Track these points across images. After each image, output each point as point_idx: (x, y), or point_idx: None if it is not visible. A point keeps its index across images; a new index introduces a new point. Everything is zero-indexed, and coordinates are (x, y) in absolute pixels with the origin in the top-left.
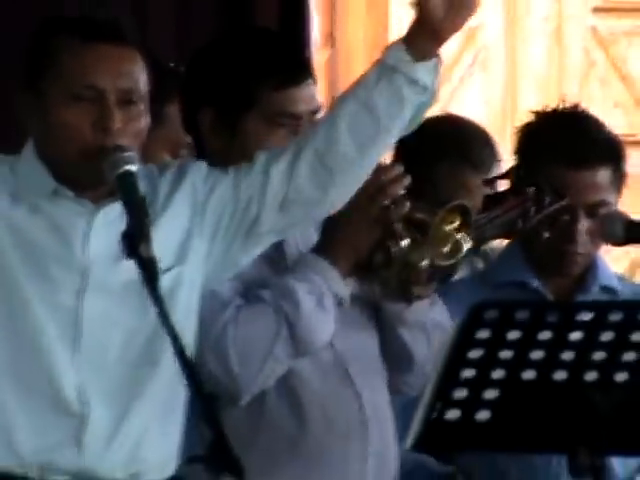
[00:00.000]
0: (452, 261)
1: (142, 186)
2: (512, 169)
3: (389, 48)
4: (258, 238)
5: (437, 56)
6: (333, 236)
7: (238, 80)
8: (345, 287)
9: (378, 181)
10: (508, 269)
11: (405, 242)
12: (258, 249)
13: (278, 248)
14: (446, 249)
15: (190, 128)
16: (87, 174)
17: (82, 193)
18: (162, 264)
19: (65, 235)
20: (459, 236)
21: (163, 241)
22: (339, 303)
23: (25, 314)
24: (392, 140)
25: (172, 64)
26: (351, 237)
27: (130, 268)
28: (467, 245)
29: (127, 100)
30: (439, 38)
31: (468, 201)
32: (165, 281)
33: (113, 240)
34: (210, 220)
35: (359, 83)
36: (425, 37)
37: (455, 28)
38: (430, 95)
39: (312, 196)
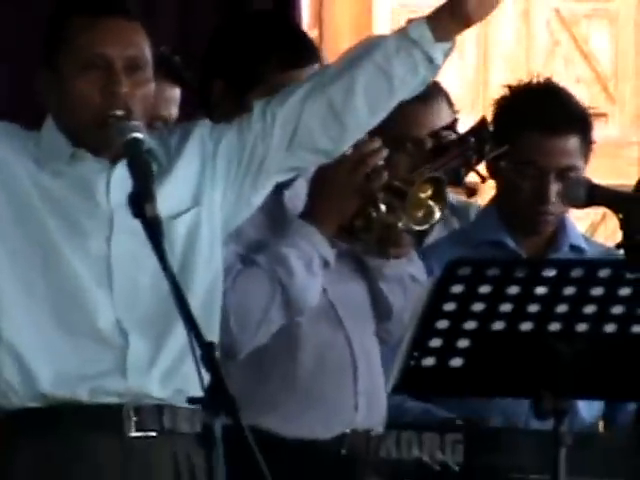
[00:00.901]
0: (425, 226)
1: (153, 144)
2: (454, 121)
3: (413, 22)
4: (267, 176)
5: (454, 40)
6: (319, 203)
7: (248, 58)
8: (330, 250)
9: (359, 153)
10: (485, 229)
11: (383, 207)
12: (267, 188)
13: (278, 206)
14: (420, 214)
15: (203, 97)
16: (100, 138)
17: (98, 154)
18: (179, 207)
19: (88, 189)
20: (432, 203)
21: (179, 187)
22: (325, 264)
23: (61, 263)
24: (395, 104)
25: (161, 48)
26: (335, 204)
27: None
28: (439, 212)
29: (133, 66)
30: (467, 24)
31: (442, 174)
32: (185, 221)
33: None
34: (220, 166)
35: (377, 47)
36: (452, 20)
37: (484, 16)
38: (435, 73)
39: (323, 146)
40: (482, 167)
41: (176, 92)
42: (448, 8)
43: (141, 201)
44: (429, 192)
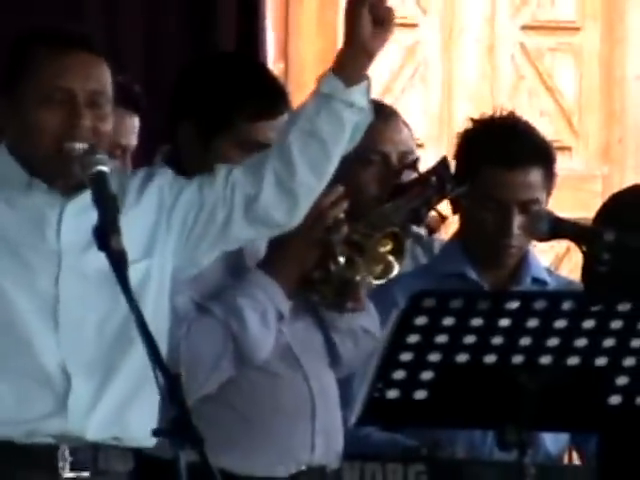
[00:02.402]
0: (383, 280)
1: (112, 184)
2: (416, 161)
3: (322, 79)
4: (225, 243)
5: (367, 78)
6: (278, 254)
7: (218, 103)
8: (286, 303)
9: (320, 205)
10: (449, 262)
11: (342, 260)
12: (219, 253)
13: (237, 252)
14: (379, 269)
15: (170, 137)
16: (57, 169)
17: (53, 184)
18: (131, 257)
19: (39, 224)
20: (391, 258)
21: (131, 236)
22: (280, 317)
23: (7, 302)
24: (338, 159)
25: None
26: (294, 256)
27: (101, 256)
28: (397, 267)
29: (95, 101)
30: (369, 56)
31: (400, 230)
32: (135, 273)
33: (83, 228)
34: (176, 220)
35: (301, 115)
36: (355, 59)
37: (382, 44)
38: (367, 114)
39: (280, 220)
40: (444, 205)
41: (135, 121)
42: (346, 51)
43: (107, 234)
44: (388, 247)
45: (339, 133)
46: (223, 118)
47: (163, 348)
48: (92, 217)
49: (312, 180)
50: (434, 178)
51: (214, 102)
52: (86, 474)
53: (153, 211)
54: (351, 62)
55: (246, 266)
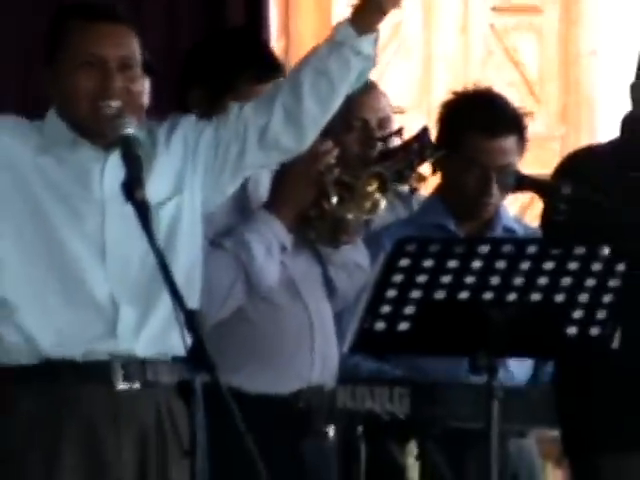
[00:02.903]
0: (372, 215)
1: (142, 136)
2: (400, 129)
3: (338, 27)
4: (243, 171)
5: (377, 30)
6: (279, 196)
7: (223, 70)
8: (288, 236)
9: (314, 151)
10: (430, 214)
11: (335, 200)
12: (240, 180)
13: (244, 195)
14: (367, 206)
15: (181, 104)
16: (95, 127)
17: (95, 141)
18: (164, 195)
19: (85, 177)
20: (377, 196)
21: (163, 178)
22: (283, 249)
23: (61, 245)
24: (343, 96)
25: None
26: (293, 196)
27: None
28: (383, 203)
29: (125, 65)
30: (382, 12)
31: (384, 171)
32: (169, 209)
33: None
34: (201, 157)
35: (314, 54)
36: (370, 13)
37: (395, 4)
38: (372, 61)
39: (289, 146)
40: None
41: (147, 83)
42: (363, 4)
43: (132, 188)
44: (375, 185)
45: (345, 75)
46: (227, 82)
47: (199, 276)
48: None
49: (317, 111)
50: (416, 144)
51: (220, 69)
52: (137, 385)
53: (180, 155)
54: (366, 16)
55: (252, 208)
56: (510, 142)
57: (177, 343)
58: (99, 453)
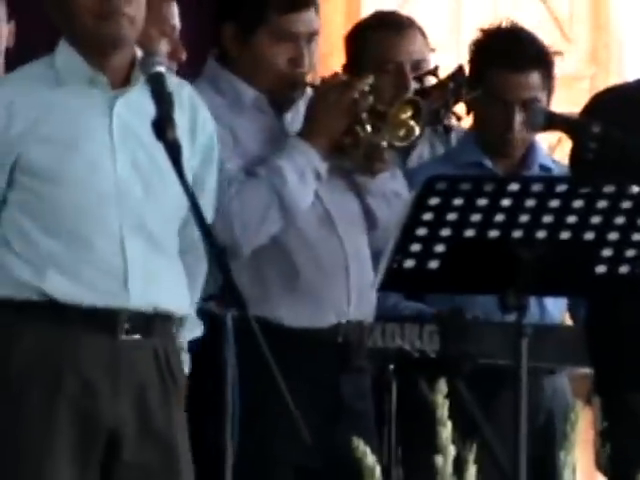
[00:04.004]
0: (406, 142)
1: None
2: (436, 68)
3: None
4: None
5: None
6: (313, 123)
7: (254, 2)
8: (322, 163)
9: (348, 79)
10: (466, 153)
11: (369, 127)
12: None
13: (280, 126)
14: (401, 133)
15: (217, 39)
16: (102, 35)
17: (104, 68)
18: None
19: (96, 117)
20: (412, 123)
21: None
22: (317, 176)
23: (72, 196)
24: None
25: None
26: (327, 124)
27: (153, 145)
28: (418, 130)
29: None
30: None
31: (417, 97)
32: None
33: (133, 119)
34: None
35: None
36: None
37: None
38: None
39: None
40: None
41: (175, 6)
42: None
43: (164, 126)
44: (409, 113)
45: None
46: (259, 15)
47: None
48: (141, 109)
49: None
50: (451, 83)
51: (251, 3)
52: (138, 336)
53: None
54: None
55: (287, 137)
56: (534, 77)
57: (184, 298)
58: (94, 403)
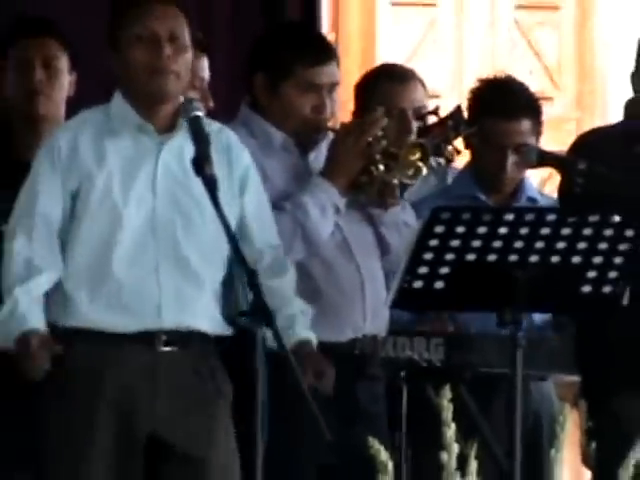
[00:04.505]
0: (415, 180)
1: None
2: (437, 108)
3: None
4: None
5: None
6: (333, 164)
7: (284, 56)
8: (341, 199)
9: (363, 125)
10: (463, 186)
11: (382, 167)
12: None
13: (304, 165)
14: (410, 172)
15: (249, 88)
16: (152, 90)
17: (152, 117)
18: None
19: (143, 160)
20: (420, 164)
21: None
22: (336, 210)
23: (115, 229)
24: None
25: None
26: (345, 165)
27: (192, 183)
28: (425, 170)
29: (173, 38)
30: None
31: (425, 141)
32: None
33: (175, 162)
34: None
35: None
36: None
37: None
38: None
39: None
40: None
41: (205, 60)
42: None
43: (202, 163)
44: (417, 155)
45: None
46: (287, 68)
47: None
48: (183, 153)
49: None
50: (451, 121)
51: (280, 55)
52: (176, 348)
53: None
54: None
55: (311, 175)
56: (525, 124)
57: (216, 321)
58: (133, 407)
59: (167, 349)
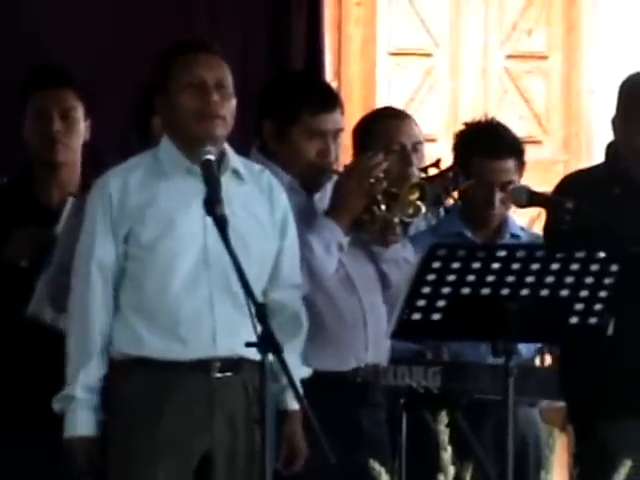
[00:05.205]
0: (415, 218)
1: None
2: (438, 161)
3: None
4: None
5: None
6: (337, 205)
7: (291, 104)
8: (344, 237)
9: (365, 166)
10: (451, 224)
11: (383, 207)
12: None
13: (309, 205)
14: (410, 211)
15: (258, 133)
16: (201, 134)
17: (199, 160)
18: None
19: (192, 200)
20: (419, 203)
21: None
22: (340, 248)
23: (171, 264)
24: None
25: None
26: (349, 205)
27: (236, 229)
28: (424, 209)
29: (220, 85)
30: None
31: (424, 181)
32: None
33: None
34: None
35: None
36: None
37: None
38: None
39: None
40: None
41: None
42: None
43: (213, 204)
44: (416, 194)
45: None
46: (294, 115)
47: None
48: (227, 193)
49: None
50: (451, 174)
51: (288, 103)
52: (229, 374)
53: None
54: None
55: (316, 214)
56: (509, 163)
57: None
58: (191, 428)
59: (221, 375)
